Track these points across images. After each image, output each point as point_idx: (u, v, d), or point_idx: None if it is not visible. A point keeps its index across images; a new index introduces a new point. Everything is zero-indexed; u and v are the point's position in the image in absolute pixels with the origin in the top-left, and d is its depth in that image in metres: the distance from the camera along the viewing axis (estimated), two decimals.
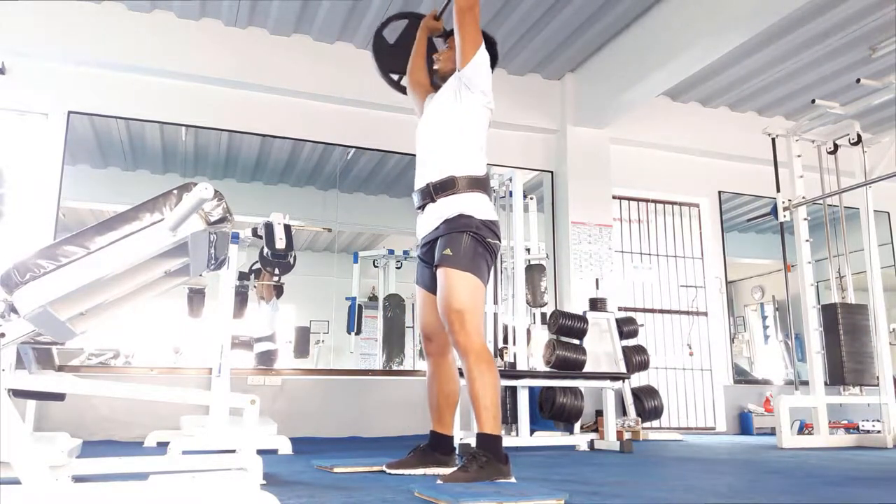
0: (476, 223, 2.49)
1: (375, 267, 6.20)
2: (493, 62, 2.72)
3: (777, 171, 4.92)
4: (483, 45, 2.59)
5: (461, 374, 2.57)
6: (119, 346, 4.93)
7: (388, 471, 2.55)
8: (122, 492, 1.55)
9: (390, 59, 3.10)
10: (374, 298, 6.13)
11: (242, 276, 4.84)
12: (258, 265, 4.71)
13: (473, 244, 2.46)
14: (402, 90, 3.09)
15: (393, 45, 3.11)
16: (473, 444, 2.41)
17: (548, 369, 4.54)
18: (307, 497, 1.92)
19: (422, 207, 2.63)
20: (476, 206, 2.51)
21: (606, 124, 5.93)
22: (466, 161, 2.56)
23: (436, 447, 2.62)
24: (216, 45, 5.08)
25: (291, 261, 4.06)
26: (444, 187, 2.53)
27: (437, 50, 2.95)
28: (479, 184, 2.55)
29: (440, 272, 2.48)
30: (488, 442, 2.31)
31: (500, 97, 6.14)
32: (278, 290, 5.55)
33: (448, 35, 2.84)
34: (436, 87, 2.83)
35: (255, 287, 5.41)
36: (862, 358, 4.50)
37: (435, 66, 2.84)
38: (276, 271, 4.16)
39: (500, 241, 2.59)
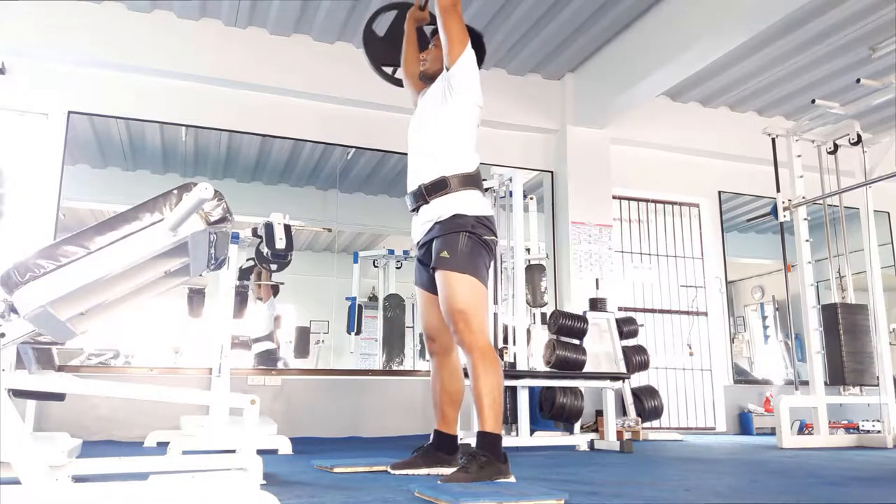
0: (471, 221, 2.48)
1: (375, 267, 6.19)
2: (481, 56, 2.71)
3: (777, 171, 4.92)
4: (469, 43, 2.58)
5: (465, 374, 2.57)
6: (119, 346, 4.93)
7: (392, 471, 2.54)
8: (122, 492, 1.55)
9: (382, 51, 3.08)
10: (374, 298, 6.12)
11: (242, 276, 4.84)
12: (252, 262, 4.70)
13: (470, 244, 2.46)
14: (397, 83, 3.07)
15: (383, 37, 3.10)
16: (473, 444, 2.41)
17: (548, 369, 4.53)
18: (307, 497, 1.92)
19: (416, 210, 2.63)
20: (469, 203, 2.51)
21: (606, 124, 5.93)
22: (457, 160, 2.56)
23: (439, 447, 2.62)
24: (216, 45, 5.08)
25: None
26: (436, 188, 2.52)
27: (428, 39, 2.92)
28: (471, 181, 2.55)
29: (438, 275, 2.48)
30: (488, 441, 2.32)
31: (501, 97, 6.16)
32: (275, 290, 5.55)
33: (435, 25, 2.81)
34: (424, 83, 2.82)
35: (253, 288, 5.42)
36: (862, 358, 4.50)
37: (421, 68, 2.82)
38: (274, 267, 4.16)
39: (496, 236, 2.58)
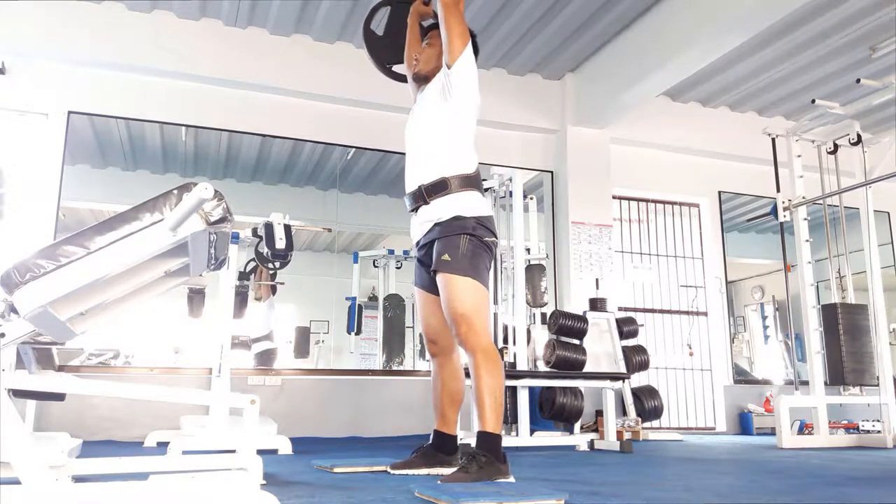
0: (471, 223, 2.48)
1: (375, 267, 6.19)
2: (475, 56, 2.69)
3: (777, 171, 4.92)
4: (470, 41, 2.57)
5: (467, 374, 2.56)
6: (119, 346, 4.93)
7: (392, 471, 2.54)
8: (122, 492, 1.55)
9: (384, 49, 3.05)
10: (374, 298, 6.12)
11: (242, 276, 4.84)
12: (254, 263, 4.73)
13: (471, 246, 2.46)
14: (401, 78, 3.02)
15: (383, 35, 3.06)
16: (472, 444, 2.41)
17: (548, 369, 4.53)
18: (307, 497, 1.92)
19: (415, 210, 2.61)
20: (469, 205, 2.51)
21: (606, 124, 5.93)
22: (457, 160, 2.54)
23: (439, 447, 2.62)
24: (216, 45, 5.08)
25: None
26: (436, 189, 2.51)
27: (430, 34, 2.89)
28: (471, 181, 2.54)
29: (440, 278, 2.47)
30: (489, 441, 2.31)
31: (500, 97, 6.16)
32: (273, 289, 5.55)
33: (435, 21, 2.75)
34: (418, 84, 2.79)
35: (253, 287, 5.41)
36: (862, 358, 4.50)
37: (413, 70, 2.77)
38: (276, 265, 4.16)
39: (496, 237, 2.58)
